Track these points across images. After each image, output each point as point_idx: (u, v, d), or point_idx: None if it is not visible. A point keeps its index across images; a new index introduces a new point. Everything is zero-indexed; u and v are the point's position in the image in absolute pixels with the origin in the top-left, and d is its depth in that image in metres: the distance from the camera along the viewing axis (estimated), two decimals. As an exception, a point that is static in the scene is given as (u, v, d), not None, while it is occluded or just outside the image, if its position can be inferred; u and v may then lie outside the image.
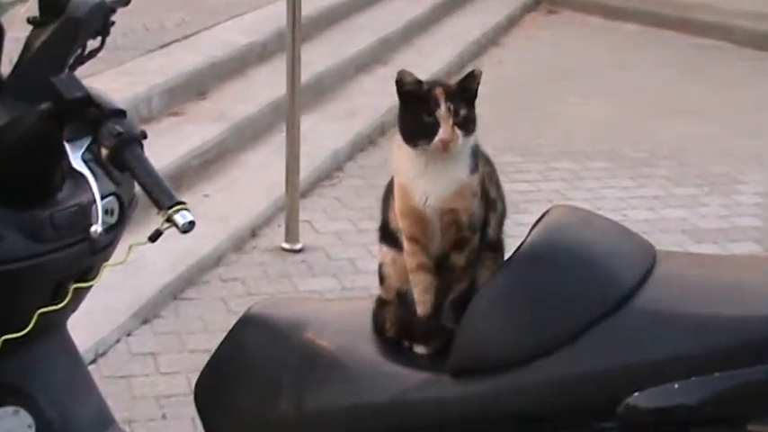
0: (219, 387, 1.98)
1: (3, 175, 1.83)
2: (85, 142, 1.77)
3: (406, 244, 1.85)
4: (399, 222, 1.84)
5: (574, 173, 5.62)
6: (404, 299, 1.88)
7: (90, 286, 1.93)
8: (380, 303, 1.92)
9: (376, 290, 1.94)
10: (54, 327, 2.00)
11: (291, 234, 4.48)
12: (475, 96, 1.80)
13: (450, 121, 1.75)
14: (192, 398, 2.04)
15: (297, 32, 4.38)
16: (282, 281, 4.20)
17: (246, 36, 6.39)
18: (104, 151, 1.73)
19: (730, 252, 4.59)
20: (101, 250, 1.92)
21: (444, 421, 1.75)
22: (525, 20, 9.40)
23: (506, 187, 1.93)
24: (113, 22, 1.96)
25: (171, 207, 1.67)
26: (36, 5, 1.88)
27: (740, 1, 9.02)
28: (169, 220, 1.67)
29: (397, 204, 1.84)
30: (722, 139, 6.25)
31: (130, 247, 1.77)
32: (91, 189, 1.76)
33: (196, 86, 5.68)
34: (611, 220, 1.93)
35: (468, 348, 1.75)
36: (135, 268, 3.77)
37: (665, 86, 7.44)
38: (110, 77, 5.10)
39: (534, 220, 1.88)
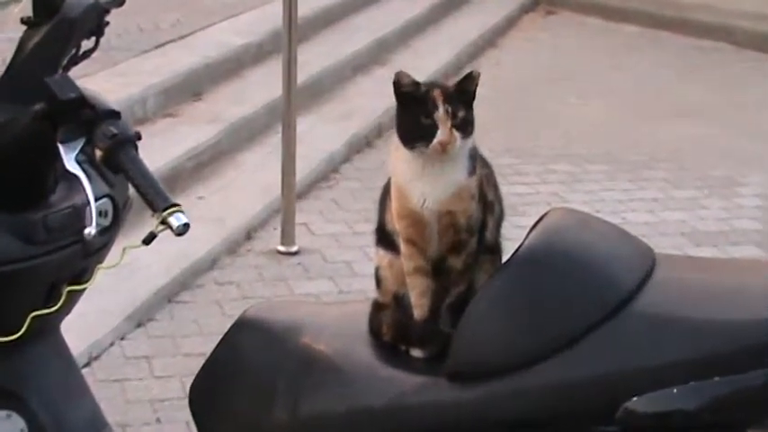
0: (214, 391, 1.98)
1: (-4, 177, 1.83)
2: (79, 144, 1.77)
3: (403, 247, 1.85)
4: (396, 225, 1.84)
5: (572, 175, 5.62)
6: (401, 302, 1.88)
7: (84, 289, 1.93)
8: (377, 307, 1.92)
9: (372, 293, 1.94)
10: (47, 330, 1.99)
11: (287, 236, 4.48)
12: (473, 98, 1.80)
13: (449, 124, 1.75)
14: (186, 402, 2.04)
15: (293, 33, 4.38)
16: (278, 284, 4.20)
17: (242, 37, 6.40)
18: (98, 153, 1.73)
19: (730, 255, 4.59)
20: (94, 253, 1.92)
21: (441, 426, 1.75)
22: (523, 21, 9.40)
23: (504, 190, 1.93)
24: (108, 23, 1.96)
25: (165, 209, 1.67)
26: (30, 6, 1.87)
27: (740, 1, 9.03)
28: (164, 222, 1.67)
29: (394, 207, 1.84)
30: (722, 141, 6.25)
31: (124, 250, 1.77)
32: (85, 191, 1.76)
33: (191, 87, 5.68)
34: (609, 223, 1.93)
35: (466, 352, 1.75)
36: (129, 271, 3.77)
37: (665, 88, 7.45)
38: (104, 78, 5.10)
39: (532, 223, 1.88)
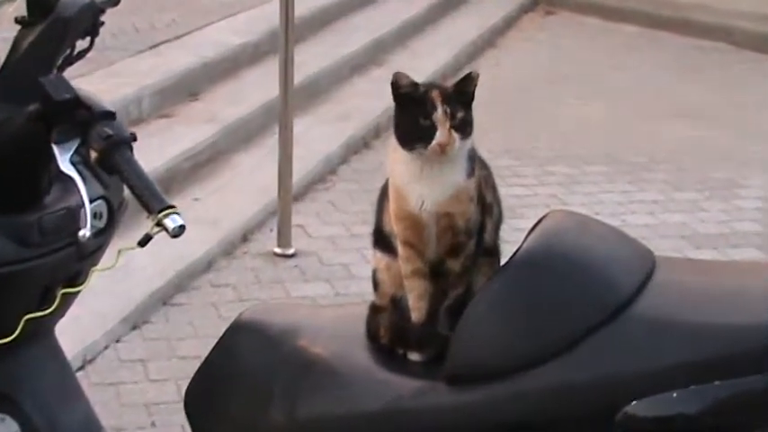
0: (210, 394, 1.98)
1: (-11, 178, 1.82)
2: (74, 145, 1.77)
3: (400, 249, 1.85)
4: (394, 227, 1.84)
5: (571, 177, 5.62)
6: (398, 305, 1.88)
7: (78, 291, 1.93)
8: (374, 309, 1.91)
9: (370, 296, 1.94)
10: (41, 333, 1.99)
11: (284, 239, 4.48)
12: (472, 99, 1.80)
13: (447, 125, 1.75)
14: (182, 405, 2.03)
15: (290, 33, 4.38)
16: (274, 286, 4.20)
17: (239, 36, 6.39)
18: (93, 154, 1.72)
19: (730, 258, 4.59)
20: (89, 255, 1.92)
21: (439, 430, 1.75)
22: (522, 21, 9.41)
23: (502, 191, 1.93)
24: (103, 23, 1.96)
25: (161, 211, 1.67)
26: (24, 5, 1.87)
27: (740, 2, 9.04)
28: (159, 224, 1.67)
29: (392, 208, 1.84)
30: (722, 143, 6.25)
31: (119, 252, 1.77)
32: (79, 192, 1.76)
33: (187, 88, 5.67)
34: (609, 226, 1.93)
35: (464, 356, 1.75)
36: (124, 273, 3.76)
37: (664, 89, 7.45)
38: (99, 78, 5.10)
39: (531, 226, 1.88)
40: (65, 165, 1.75)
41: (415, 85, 1.79)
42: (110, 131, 1.72)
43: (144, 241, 1.69)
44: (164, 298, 4.00)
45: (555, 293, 1.73)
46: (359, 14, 7.84)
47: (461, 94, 1.78)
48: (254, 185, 4.95)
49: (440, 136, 1.75)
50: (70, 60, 1.93)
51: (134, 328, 3.80)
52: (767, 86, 7.57)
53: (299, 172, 4.82)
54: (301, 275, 4.31)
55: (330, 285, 4.23)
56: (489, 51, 8.31)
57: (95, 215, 1.90)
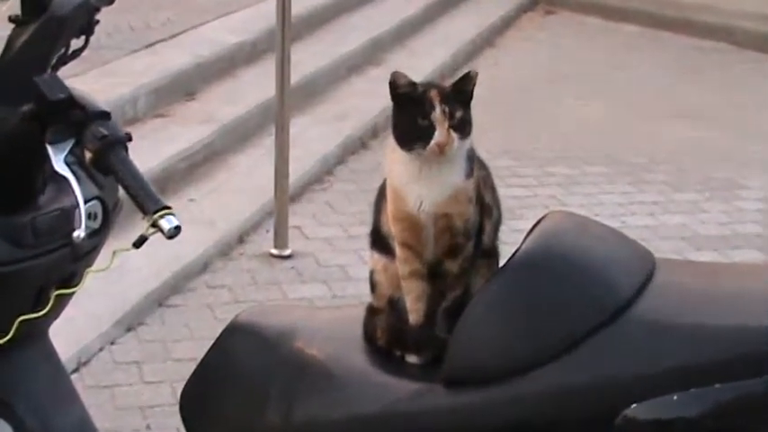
0: (206, 397, 1.98)
1: (-17, 179, 1.82)
2: (68, 145, 1.77)
3: (398, 250, 1.85)
4: (392, 228, 1.84)
5: (571, 178, 5.62)
6: (395, 307, 1.88)
7: (72, 293, 1.93)
8: (371, 311, 1.91)
9: (367, 297, 1.94)
10: (35, 334, 1.99)
11: (280, 240, 4.48)
12: (470, 98, 1.80)
13: (446, 124, 1.75)
14: (177, 408, 2.04)
15: (287, 32, 4.38)
16: (271, 288, 4.20)
17: (235, 35, 6.39)
18: (88, 154, 1.72)
19: (731, 260, 4.59)
20: (84, 256, 1.92)
21: (437, 433, 1.75)
22: (522, 20, 9.41)
23: (501, 192, 1.93)
24: (98, 21, 1.96)
25: (156, 212, 1.67)
26: (18, 3, 1.87)
27: (742, 2, 9.04)
28: (154, 225, 1.67)
29: (389, 209, 1.84)
30: (723, 143, 6.26)
31: (114, 253, 1.77)
32: (74, 193, 1.76)
33: (183, 87, 5.67)
34: (608, 227, 1.93)
35: (462, 358, 1.75)
36: (119, 274, 3.77)
37: (665, 89, 7.46)
38: (94, 78, 5.10)
39: (530, 227, 1.88)
40: (59, 165, 1.75)
41: (414, 84, 1.79)
42: (105, 131, 1.72)
43: (139, 242, 1.69)
44: (159, 299, 4.00)
45: (554, 295, 1.73)
46: (356, 13, 7.84)
47: (460, 94, 1.79)
48: (250, 186, 4.95)
49: (438, 136, 1.75)
50: (65, 59, 1.93)
51: (129, 329, 3.80)
52: (768, 87, 7.59)
53: (296, 172, 4.82)
54: (298, 277, 4.31)
55: (327, 287, 4.23)
56: (488, 51, 8.31)
57: (90, 216, 1.90)
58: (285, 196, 4.49)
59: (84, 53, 1.98)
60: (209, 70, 5.91)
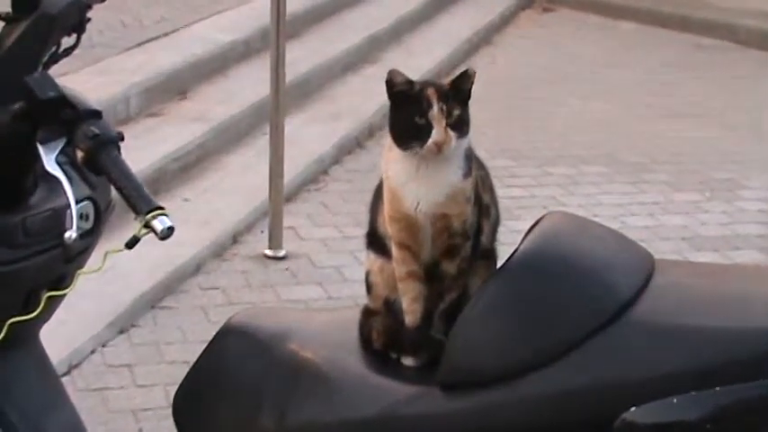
0: (199, 400, 1.98)
1: (-27, 179, 1.82)
2: (60, 144, 1.77)
3: (395, 251, 1.85)
4: (388, 228, 1.84)
5: (570, 178, 5.63)
6: (392, 308, 1.88)
7: (64, 295, 1.93)
8: (367, 313, 1.92)
9: (363, 299, 1.94)
10: (26, 337, 1.99)
11: (275, 241, 4.48)
12: (468, 97, 1.80)
13: (443, 123, 1.75)
14: (170, 411, 2.04)
15: (281, 30, 4.38)
16: (265, 290, 4.20)
17: (229, 34, 6.40)
18: (79, 154, 1.72)
19: (732, 261, 4.60)
20: (75, 257, 1.92)
21: (434, 437, 1.75)
22: (520, 18, 9.42)
23: (499, 193, 1.94)
24: (89, 19, 1.96)
25: (149, 212, 1.67)
26: (8, 1, 1.87)
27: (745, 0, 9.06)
28: (147, 225, 1.67)
29: (386, 209, 1.84)
30: (725, 143, 6.27)
31: (106, 254, 1.77)
32: (65, 193, 1.76)
33: (176, 86, 5.67)
34: (607, 228, 1.94)
35: (459, 361, 1.75)
36: (111, 276, 3.76)
37: (665, 88, 7.46)
38: (85, 76, 5.10)
39: (528, 227, 1.88)
40: (50, 165, 1.75)
41: (411, 82, 1.79)
42: (96, 131, 1.72)
43: (131, 243, 1.69)
44: (152, 301, 4.00)
45: (552, 297, 1.73)
46: (352, 11, 7.85)
47: (458, 92, 1.79)
48: (244, 186, 4.95)
49: (436, 134, 1.75)
50: (56, 58, 1.93)
51: (121, 332, 3.80)
52: (770, 85, 7.60)
53: (291, 172, 4.83)
54: (293, 278, 4.31)
55: (322, 288, 4.23)
56: (486, 49, 8.32)
57: (82, 216, 1.90)
58: (280, 196, 4.49)
59: (76, 51, 1.98)
60: (202, 69, 5.92)
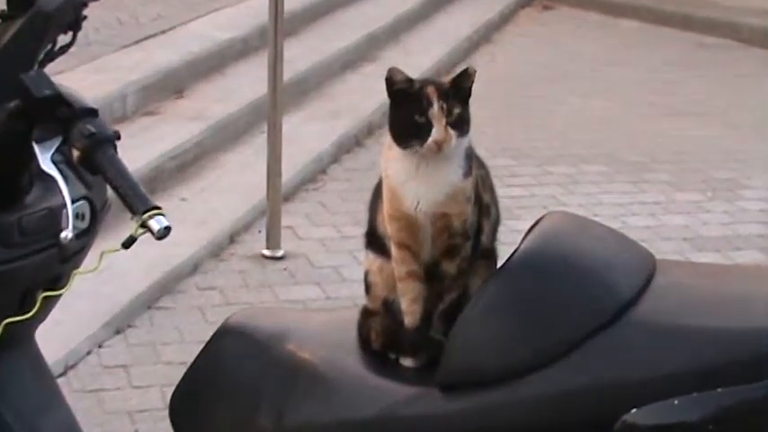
0: (196, 401, 1.98)
1: (-32, 178, 1.82)
2: (55, 143, 1.77)
3: (394, 250, 1.85)
4: (388, 227, 1.84)
5: (570, 177, 5.63)
6: (391, 309, 1.88)
7: (60, 295, 1.93)
8: (366, 313, 1.92)
9: (361, 299, 1.94)
10: (21, 337, 1.99)
11: (272, 240, 4.48)
12: (469, 96, 1.80)
13: (444, 121, 1.76)
14: (166, 413, 2.03)
15: (279, 28, 4.38)
16: (263, 290, 4.20)
17: (226, 31, 6.40)
18: (75, 153, 1.72)
19: (734, 261, 4.60)
20: (71, 257, 1.92)
21: (433, 438, 1.75)
22: (520, 16, 9.42)
23: (499, 192, 1.94)
24: (85, 17, 1.96)
25: (146, 212, 1.67)
26: (3, -2, 1.87)
27: (746, -2, 9.08)
28: (144, 225, 1.67)
29: (386, 208, 1.84)
30: (726, 142, 6.27)
31: (102, 254, 1.77)
32: (61, 192, 1.76)
33: (173, 84, 5.67)
34: (608, 228, 1.94)
35: (458, 361, 1.75)
36: (107, 276, 3.76)
37: (667, 86, 7.46)
38: (81, 74, 5.10)
39: (528, 227, 1.88)
40: (46, 164, 1.75)
41: (410, 81, 1.79)
42: (92, 129, 1.72)
43: (128, 243, 1.69)
44: (148, 301, 4.00)
45: (552, 297, 1.73)
46: (351, 8, 7.85)
47: (458, 90, 1.79)
48: (242, 185, 4.95)
49: (436, 133, 1.75)
50: (52, 56, 1.93)
51: (117, 332, 3.79)
52: (773, 84, 7.60)
53: (289, 171, 4.83)
54: (291, 278, 4.31)
55: (320, 288, 4.23)
56: (485, 47, 8.32)
57: (78, 216, 1.89)
58: (278, 196, 4.49)
59: (72, 49, 1.97)
60: (199, 67, 5.92)
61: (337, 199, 5.11)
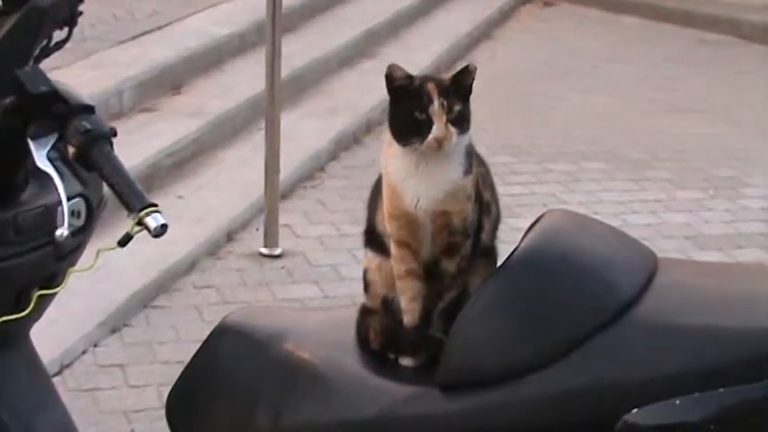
0: (193, 401, 1.98)
1: (-37, 175, 1.82)
2: (51, 140, 1.76)
3: (393, 249, 1.85)
4: (387, 225, 1.84)
5: (570, 174, 5.63)
6: (390, 307, 1.88)
7: (55, 293, 1.93)
8: (365, 312, 1.91)
9: (360, 298, 1.94)
10: (16, 336, 1.99)
11: (270, 238, 4.48)
12: (469, 93, 1.80)
13: (444, 118, 1.75)
14: (163, 412, 2.03)
15: (277, 23, 4.38)
16: (260, 288, 4.20)
17: (223, 27, 6.39)
18: (71, 149, 1.72)
19: (736, 260, 4.60)
20: (67, 255, 1.91)
21: (432, 438, 1.75)
22: (520, 12, 9.43)
23: (499, 190, 1.93)
24: (81, 12, 1.95)
25: (142, 209, 1.67)
26: (-2, -7, 1.87)
27: (748, -6, 9.08)
28: (140, 223, 1.67)
29: (385, 206, 1.84)
30: (728, 140, 6.27)
31: (98, 252, 1.77)
32: (56, 190, 1.75)
33: (170, 80, 5.67)
34: (609, 226, 1.94)
35: (458, 361, 1.75)
36: (103, 274, 3.75)
37: (668, 83, 7.47)
38: (78, 70, 5.10)
39: (528, 225, 1.88)
40: (41, 160, 1.75)
41: (410, 77, 1.79)
42: (88, 126, 1.72)
43: (124, 241, 1.68)
44: (145, 300, 4.00)
45: (553, 296, 1.73)
46: (350, 4, 7.85)
47: (458, 88, 1.78)
48: (239, 183, 4.95)
49: (436, 130, 1.75)
50: (47, 51, 1.93)
51: (113, 331, 3.79)
52: (775, 81, 7.60)
53: (287, 168, 4.82)
54: (288, 277, 4.31)
55: (318, 287, 4.23)
56: (485, 43, 8.32)
57: (73, 213, 1.89)
58: (275, 193, 4.49)
59: (68, 45, 1.97)
60: (196, 63, 5.91)
61: (336, 197, 5.11)
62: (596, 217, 2.01)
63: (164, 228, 1.67)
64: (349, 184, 5.21)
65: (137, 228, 1.67)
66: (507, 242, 1.89)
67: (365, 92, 6.08)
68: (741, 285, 1.80)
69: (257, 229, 4.61)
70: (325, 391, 1.82)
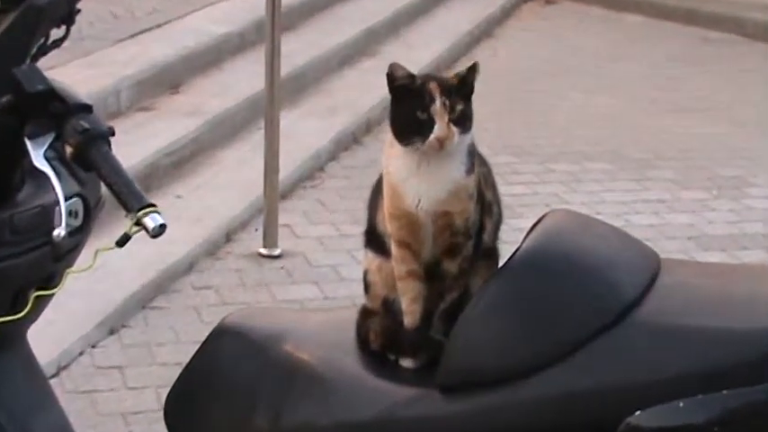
0: (191, 403, 1.98)
1: (-41, 174, 1.82)
2: (48, 139, 1.76)
3: (394, 249, 1.85)
4: (388, 226, 1.84)
5: (573, 174, 5.63)
6: (390, 308, 1.88)
7: (52, 294, 1.93)
8: (365, 313, 1.91)
9: (360, 299, 1.94)
10: (13, 337, 1.99)
11: (270, 239, 4.48)
12: (471, 91, 1.80)
13: (446, 118, 1.75)
14: (161, 414, 2.03)
15: (276, 22, 4.38)
16: (259, 289, 4.20)
17: (222, 26, 6.39)
18: (69, 149, 1.72)
19: (740, 260, 4.60)
20: (64, 255, 1.91)
21: (433, 440, 1.75)
22: (522, 10, 9.43)
23: (501, 190, 1.93)
24: (79, 10, 1.95)
25: (140, 209, 1.67)
26: (-5, -8, 1.87)
27: (751, -8, 9.08)
28: (138, 223, 1.67)
29: (386, 206, 1.84)
30: (732, 139, 6.27)
31: (96, 253, 1.77)
32: (54, 189, 1.75)
33: (168, 79, 5.67)
34: (612, 226, 1.94)
35: (459, 362, 1.75)
36: (101, 275, 3.75)
37: (671, 82, 7.47)
38: (75, 69, 5.10)
39: (530, 226, 1.88)
40: (38, 160, 1.75)
41: (412, 76, 1.79)
42: (86, 125, 1.72)
43: (122, 241, 1.68)
44: (143, 301, 4.00)
45: (555, 296, 1.73)
46: (350, 2, 7.85)
47: (460, 87, 1.78)
48: (238, 182, 4.95)
49: (438, 130, 1.75)
50: (44, 50, 1.92)
51: (111, 332, 3.79)
52: (779, 80, 7.60)
53: (286, 168, 4.82)
54: (288, 277, 4.31)
55: (318, 288, 4.23)
56: (486, 42, 8.32)
57: (71, 213, 1.89)
58: (275, 193, 4.49)
59: (65, 43, 1.97)
60: (195, 62, 5.91)
61: (335, 197, 5.11)
62: (599, 217, 2.01)
63: (162, 228, 1.67)
64: (349, 184, 5.21)
65: (135, 228, 1.67)
66: (509, 243, 1.89)
67: (365, 91, 6.08)
68: (745, 286, 1.80)
69: (256, 230, 4.61)
70: (324, 393, 1.82)
